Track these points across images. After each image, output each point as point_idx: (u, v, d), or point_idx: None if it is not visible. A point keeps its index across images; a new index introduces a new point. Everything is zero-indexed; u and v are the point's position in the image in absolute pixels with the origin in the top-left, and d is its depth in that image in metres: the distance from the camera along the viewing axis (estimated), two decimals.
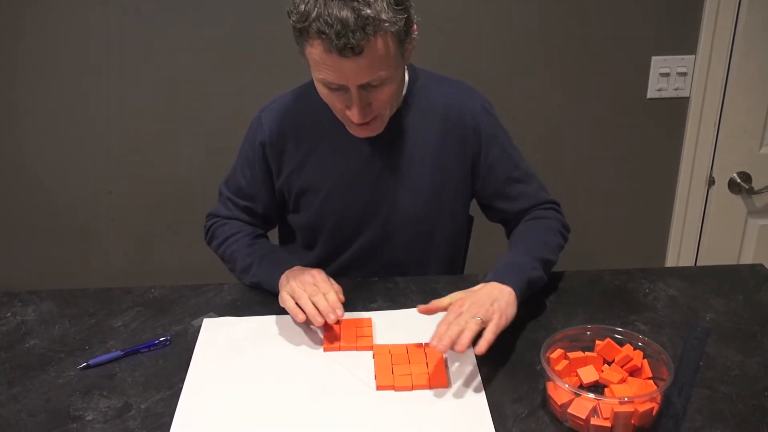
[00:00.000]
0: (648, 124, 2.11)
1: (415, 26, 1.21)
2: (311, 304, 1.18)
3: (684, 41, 2.01)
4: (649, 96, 2.07)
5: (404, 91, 1.35)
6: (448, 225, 1.44)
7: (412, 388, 1.09)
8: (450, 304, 1.16)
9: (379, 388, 1.09)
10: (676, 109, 2.10)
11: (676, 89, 2.06)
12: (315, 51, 1.14)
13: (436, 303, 1.18)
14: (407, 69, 1.37)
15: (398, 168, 1.37)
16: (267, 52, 1.94)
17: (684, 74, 2.04)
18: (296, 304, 1.20)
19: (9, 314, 1.31)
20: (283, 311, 1.27)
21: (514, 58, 2.02)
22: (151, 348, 1.20)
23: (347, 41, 1.09)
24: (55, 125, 2.04)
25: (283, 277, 1.29)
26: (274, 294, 1.30)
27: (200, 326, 1.26)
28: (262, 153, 1.40)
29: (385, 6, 1.11)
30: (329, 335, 1.21)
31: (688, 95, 2.07)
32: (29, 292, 1.38)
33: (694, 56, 2.02)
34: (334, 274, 1.31)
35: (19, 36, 1.93)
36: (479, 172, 1.41)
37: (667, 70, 2.04)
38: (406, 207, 1.39)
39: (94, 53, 1.95)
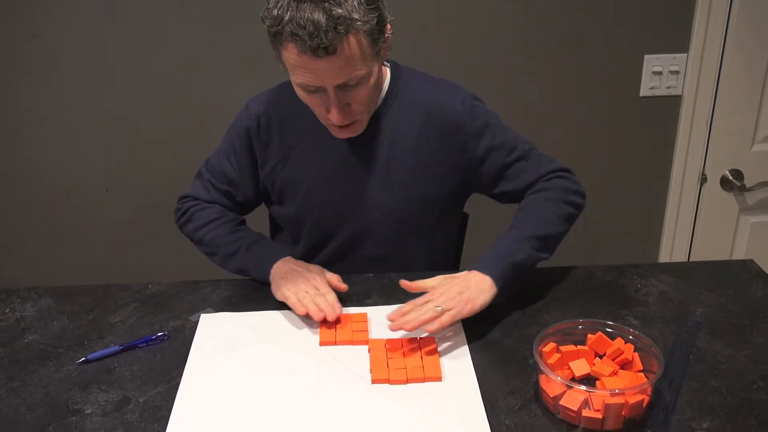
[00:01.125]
0: (641, 123, 2.13)
1: (389, 26, 1.23)
2: (314, 304, 1.23)
3: (676, 40, 2.03)
4: (641, 94, 2.09)
5: (386, 89, 1.37)
6: (433, 221, 1.45)
7: (407, 381, 1.10)
8: (432, 287, 1.22)
9: (374, 381, 1.11)
10: (668, 107, 2.11)
11: (668, 87, 2.08)
12: (290, 54, 1.16)
13: (420, 283, 1.24)
14: (390, 67, 1.39)
15: (379, 165, 1.38)
16: (267, 52, 1.95)
17: (676, 73, 2.06)
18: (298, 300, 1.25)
19: (8, 310, 1.32)
20: (279, 306, 1.29)
21: (507, 58, 2.03)
22: (149, 343, 1.22)
23: (320, 41, 1.11)
24: (52, 123, 2.05)
25: (277, 269, 1.31)
26: (263, 282, 1.34)
27: (197, 322, 1.27)
28: (249, 142, 1.42)
29: (356, 5, 1.12)
30: (325, 330, 1.22)
31: (680, 93, 2.09)
32: (28, 289, 1.39)
33: (686, 55, 2.04)
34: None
35: (16, 36, 1.94)
36: (470, 167, 1.40)
37: (659, 69, 2.05)
38: (386, 203, 1.40)
39: (92, 53, 1.96)
